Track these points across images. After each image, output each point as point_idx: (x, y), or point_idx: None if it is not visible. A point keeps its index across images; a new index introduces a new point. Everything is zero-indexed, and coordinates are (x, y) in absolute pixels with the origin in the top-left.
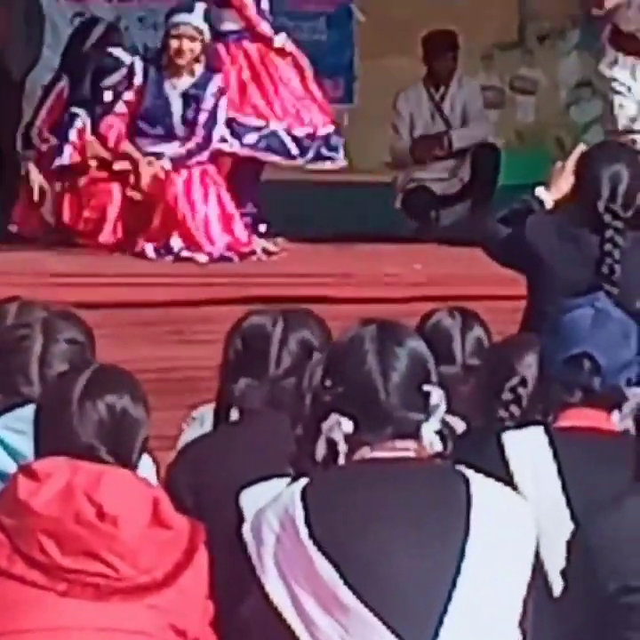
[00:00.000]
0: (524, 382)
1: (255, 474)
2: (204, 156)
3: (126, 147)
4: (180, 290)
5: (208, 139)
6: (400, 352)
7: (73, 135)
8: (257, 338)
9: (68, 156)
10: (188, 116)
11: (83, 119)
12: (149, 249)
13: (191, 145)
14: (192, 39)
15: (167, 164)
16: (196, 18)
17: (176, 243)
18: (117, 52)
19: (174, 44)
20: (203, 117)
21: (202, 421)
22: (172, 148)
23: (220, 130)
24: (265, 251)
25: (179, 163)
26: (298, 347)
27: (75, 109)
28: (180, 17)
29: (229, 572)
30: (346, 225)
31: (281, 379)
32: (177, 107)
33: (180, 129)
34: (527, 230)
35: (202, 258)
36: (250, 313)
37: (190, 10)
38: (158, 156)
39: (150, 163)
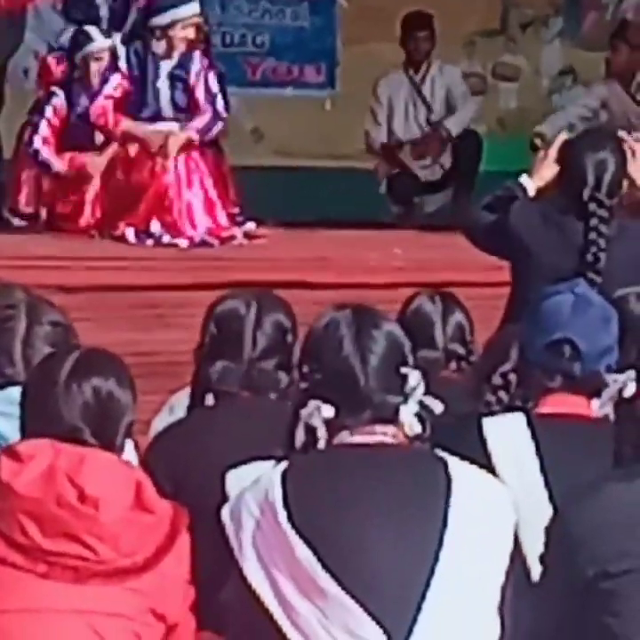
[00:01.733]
0: (515, 369)
1: (234, 458)
2: (219, 127)
3: (126, 125)
4: (161, 274)
5: (217, 111)
6: (377, 335)
7: (49, 112)
8: (231, 321)
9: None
10: (177, 97)
11: (60, 97)
12: (130, 233)
13: (206, 118)
14: (198, 28)
15: (194, 135)
16: (197, 5)
17: (156, 227)
18: (92, 31)
19: (190, 34)
20: (200, 93)
21: (171, 408)
22: (169, 127)
23: (221, 102)
24: (246, 235)
25: (203, 135)
26: (272, 328)
27: (52, 88)
28: (190, 8)
29: (210, 557)
30: (327, 210)
31: (257, 360)
32: (164, 88)
33: (168, 110)
34: (511, 217)
35: (182, 243)
36: (223, 297)
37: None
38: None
39: (174, 134)
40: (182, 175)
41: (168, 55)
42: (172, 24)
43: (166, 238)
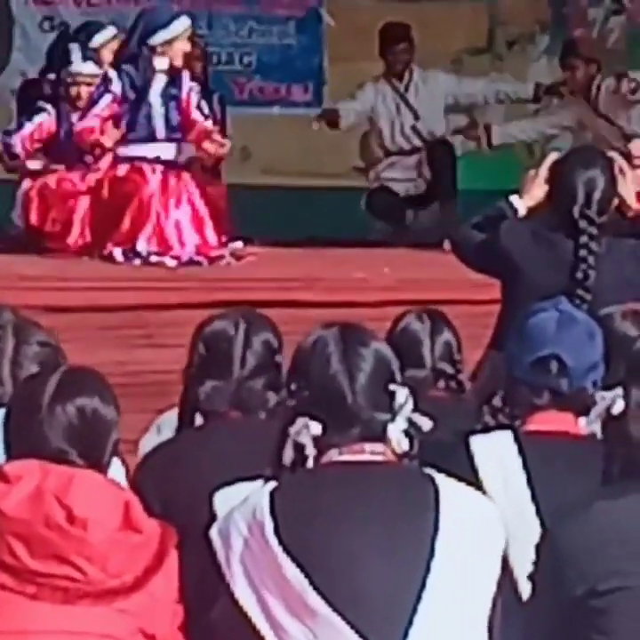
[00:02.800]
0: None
1: (222, 478)
2: None
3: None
4: (149, 294)
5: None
6: (364, 353)
7: (35, 122)
8: (220, 341)
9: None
10: (170, 116)
11: (49, 112)
12: (118, 253)
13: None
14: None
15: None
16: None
17: (142, 245)
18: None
19: (187, 47)
20: (198, 115)
21: (159, 428)
22: (167, 150)
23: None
24: (233, 254)
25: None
26: (261, 347)
27: (41, 103)
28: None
29: (198, 576)
30: (315, 229)
31: (246, 379)
32: (157, 108)
33: (162, 131)
34: (502, 235)
35: (170, 262)
36: (212, 317)
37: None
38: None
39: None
40: (171, 191)
41: (170, 70)
42: (173, 39)
43: (154, 258)
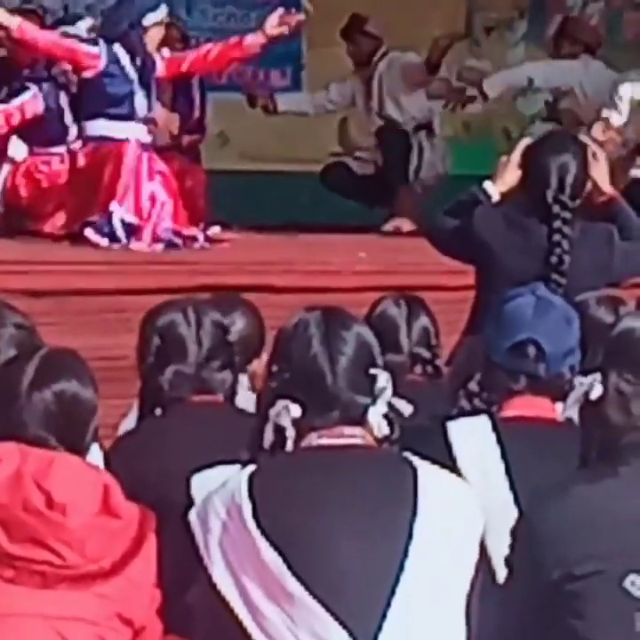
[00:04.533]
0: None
1: (192, 463)
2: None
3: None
4: (128, 278)
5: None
6: (346, 336)
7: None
8: (174, 328)
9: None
10: (151, 99)
11: (35, 94)
12: (90, 233)
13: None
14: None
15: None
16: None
17: (118, 213)
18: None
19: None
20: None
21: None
22: (144, 132)
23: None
24: (208, 238)
25: None
26: (212, 326)
27: (27, 83)
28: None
29: (174, 560)
30: (292, 214)
31: (206, 361)
32: (139, 89)
33: (142, 110)
34: (475, 221)
35: (144, 241)
36: (157, 308)
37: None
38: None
39: None
40: (146, 169)
41: (155, 50)
42: (160, 22)
43: (129, 218)
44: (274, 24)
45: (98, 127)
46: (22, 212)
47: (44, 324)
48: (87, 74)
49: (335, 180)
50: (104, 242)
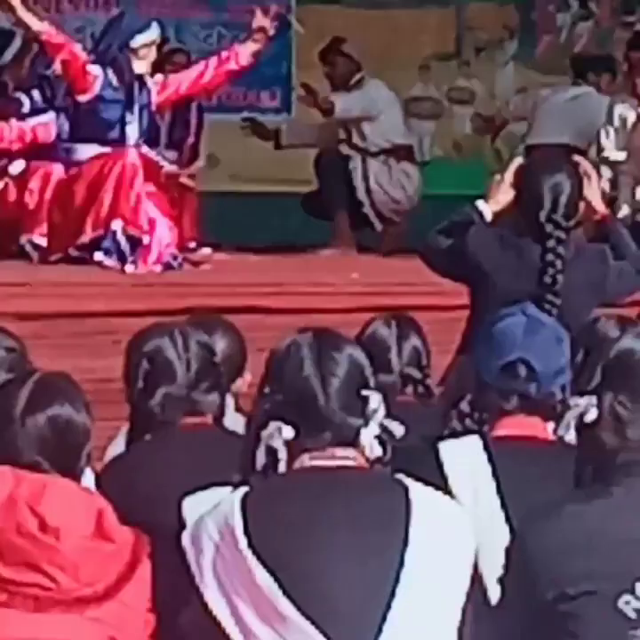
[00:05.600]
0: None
1: (183, 487)
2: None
3: None
4: (117, 301)
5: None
6: (338, 358)
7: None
8: (162, 352)
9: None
10: (143, 122)
11: (50, 117)
12: (99, 256)
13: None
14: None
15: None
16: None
17: (117, 226)
18: None
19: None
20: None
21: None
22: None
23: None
24: (188, 260)
25: None
26: (199, 348)
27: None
28: (154, 33)
29: (169, 583)
30: (283, 236)
31: (194, 383)
32: (129, 114)
33: (134, 136)
34: (469, 241)
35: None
36: (142, 333)
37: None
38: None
39: None
40: (140, 185)
41: (149, 74)
42: (151, 43)
43: (131, 230)
44: (260, 17)
45: (90, 151)
46: (11, 226)
47: (33, 346)
48: (83, 97)
49: (312, 207)
50: (114, 263)
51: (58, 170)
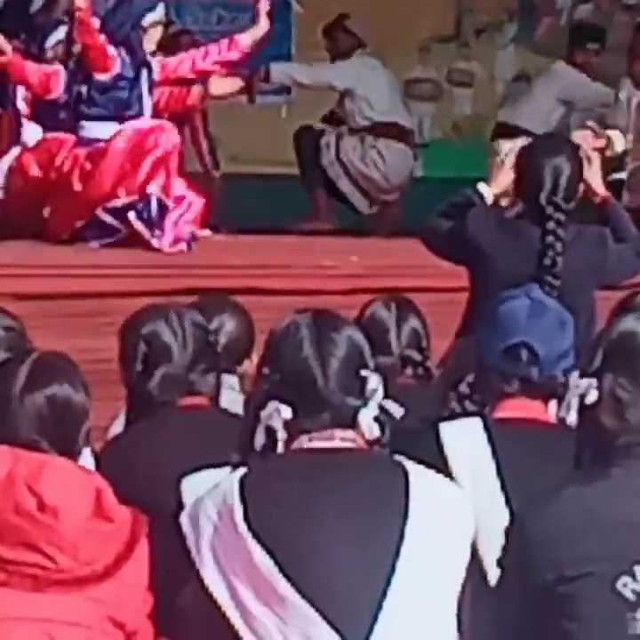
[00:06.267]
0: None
1: (182, 467)
2: None
3: None
4: (116, 281)
5: None
6: (337, 338)
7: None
8: (159, 334)
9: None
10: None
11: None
12: (132, 216)
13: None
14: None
15: None
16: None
17: (153, 188)
18: None
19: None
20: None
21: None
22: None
23: None
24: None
25: None
26: (195, 329)
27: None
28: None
29: (167, 562)
30: (284, 217)
31: (192, 363)
32: (145, 90)
33: (148, 111)
34: (468, 223)
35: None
36: (138, 318)
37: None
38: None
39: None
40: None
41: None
42: (159, 22)
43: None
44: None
45: (109, 129)
46: (25, 198)
47: (32, 327)
48: (103, 76)
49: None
50: (143, 228)
51: (74, 143)
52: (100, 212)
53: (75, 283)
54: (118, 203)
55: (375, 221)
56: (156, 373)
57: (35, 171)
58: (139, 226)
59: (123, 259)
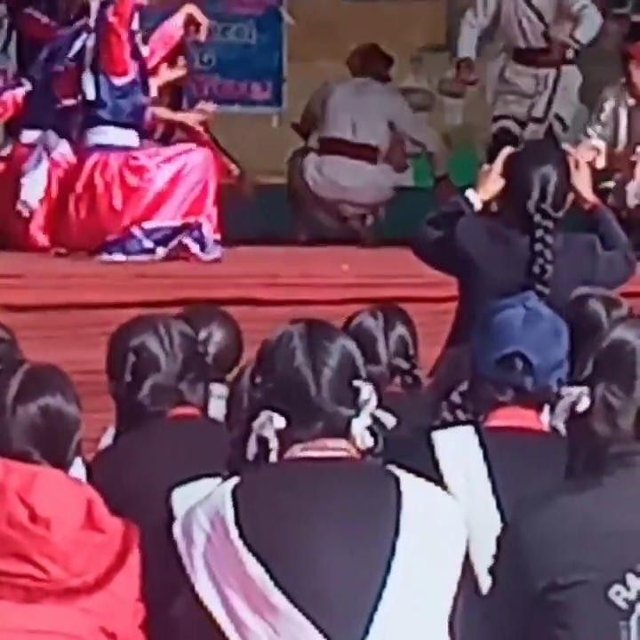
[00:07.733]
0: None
1: (173, 478)
2: None
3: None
4: (110, 292)
5: None
6: (330, 348)
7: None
8: (147, 345)
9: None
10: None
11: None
12: (189, 241)
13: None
14: None
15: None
16: None
17: (204, 220)
18: None
19: None
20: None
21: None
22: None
23: None
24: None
25: None
26: (183, 340)
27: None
28: None
29: (159, 573)
30: (274, 227)
31: (181, 373)
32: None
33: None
34: (457, 232)
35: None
36: (127, 327)
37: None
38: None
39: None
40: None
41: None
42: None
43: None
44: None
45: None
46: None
47: (25, 338)
48: (120, 80)
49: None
50: (199, 251)
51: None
52: (135, 230)
53: (65, 294)
54: (160, 224)
55: (359, 233)
56: (145, 384)
57: (68, 182)
58: (195, 249)
59: (116, 269)
